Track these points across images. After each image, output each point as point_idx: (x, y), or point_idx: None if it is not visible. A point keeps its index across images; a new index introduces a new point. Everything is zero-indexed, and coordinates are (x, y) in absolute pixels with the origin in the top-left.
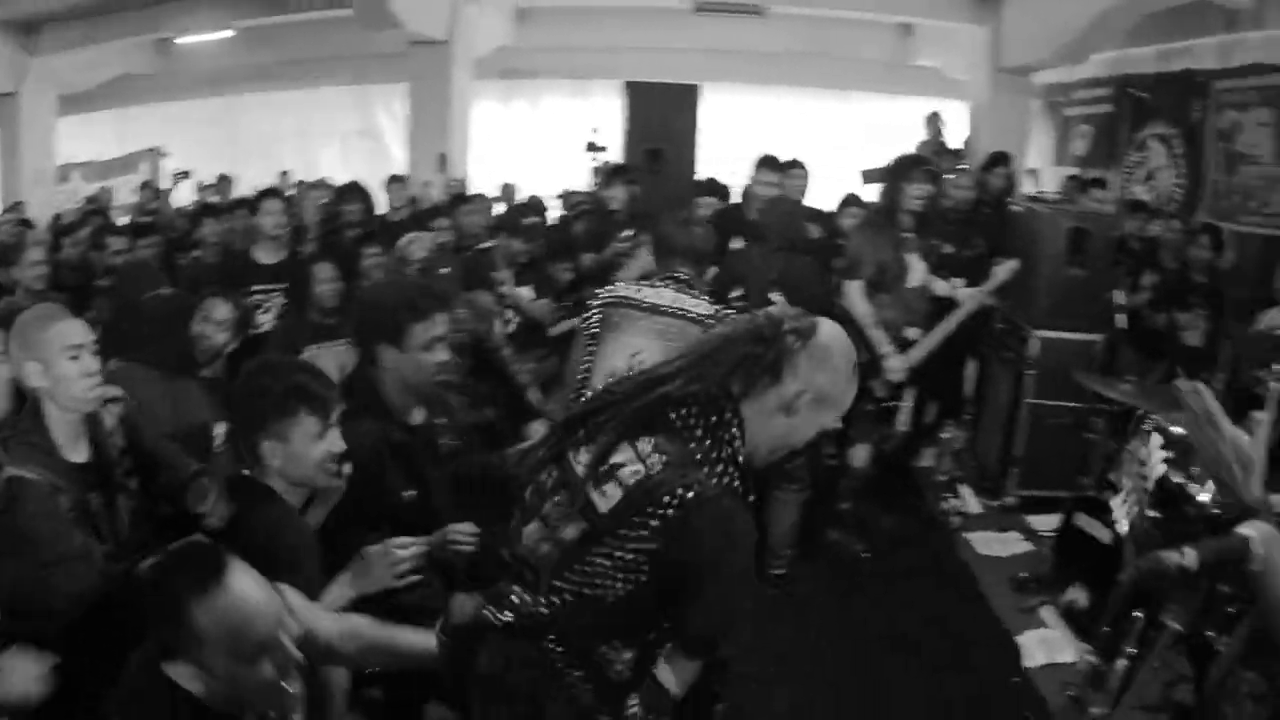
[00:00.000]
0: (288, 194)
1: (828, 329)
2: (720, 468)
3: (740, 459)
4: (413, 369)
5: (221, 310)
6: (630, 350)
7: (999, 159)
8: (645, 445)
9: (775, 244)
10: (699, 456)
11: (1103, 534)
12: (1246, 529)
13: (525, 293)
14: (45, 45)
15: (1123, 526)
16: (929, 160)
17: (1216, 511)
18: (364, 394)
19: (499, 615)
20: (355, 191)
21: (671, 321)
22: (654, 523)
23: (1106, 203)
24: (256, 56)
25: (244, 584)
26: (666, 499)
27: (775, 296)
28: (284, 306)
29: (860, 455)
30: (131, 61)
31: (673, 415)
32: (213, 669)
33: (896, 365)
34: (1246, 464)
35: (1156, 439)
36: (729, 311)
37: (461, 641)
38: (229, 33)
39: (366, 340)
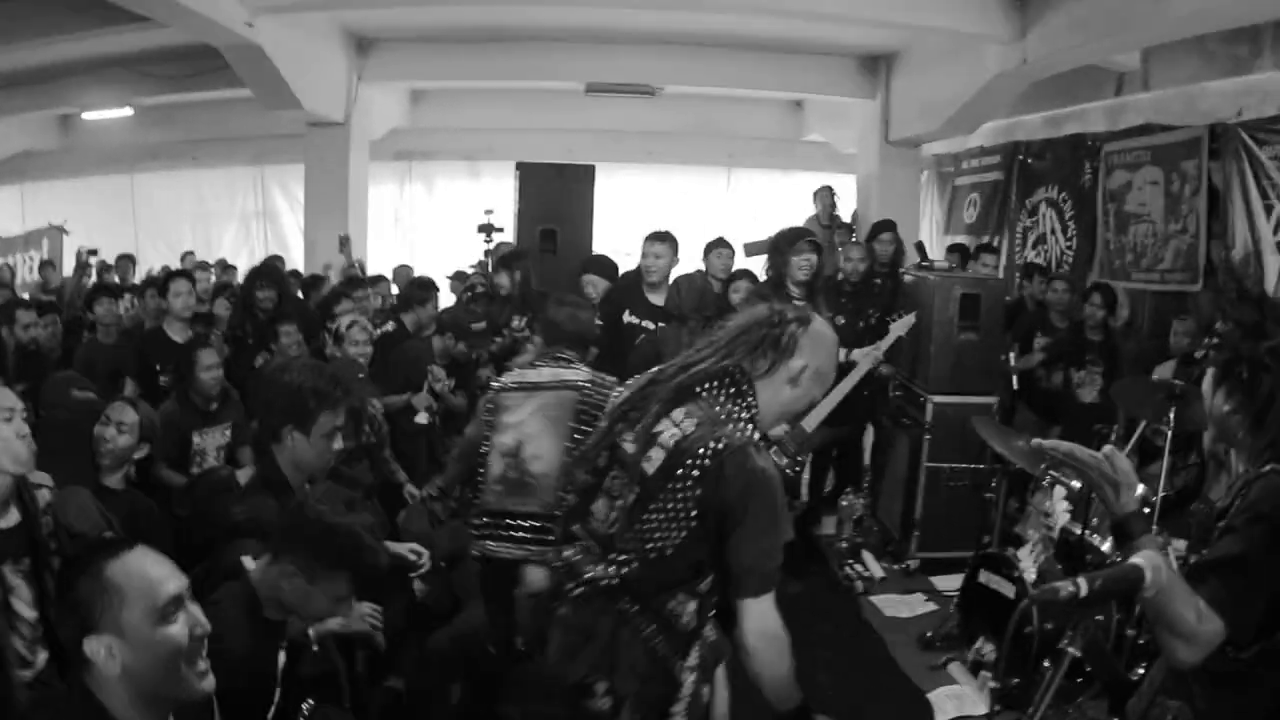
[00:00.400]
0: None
1: (818, 320)
2: (743, 425)
3: (755, 424)
4: (313, 455)
5: (128, 415)
6: (516, 428)
7: (884, 226)
8: (679, 414)
9: (691, 320)
10: (724, 417)
11: (1006, 588)
12: (1138, 557)
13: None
14: None
15: (1030, 575)
16: (812, 232)
17: (1117, 558)
18: (266, 468)
19: (572, 586)
20: (269, 274)
21: (549, 394)
22: (695, 473)
23: (994, 268)
24: (157, 135)
25: (152, 555)
26: (701, 451)
27: None
28: (172, 387)
29: None
30: (35, 137)
31: (699, 390)
32: (128, 631)
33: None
34: (1115, 481)
35: (1060, 492)
36: (609, 378)
37: (540, 605)
38: (129, 111)
39: (273, 419)
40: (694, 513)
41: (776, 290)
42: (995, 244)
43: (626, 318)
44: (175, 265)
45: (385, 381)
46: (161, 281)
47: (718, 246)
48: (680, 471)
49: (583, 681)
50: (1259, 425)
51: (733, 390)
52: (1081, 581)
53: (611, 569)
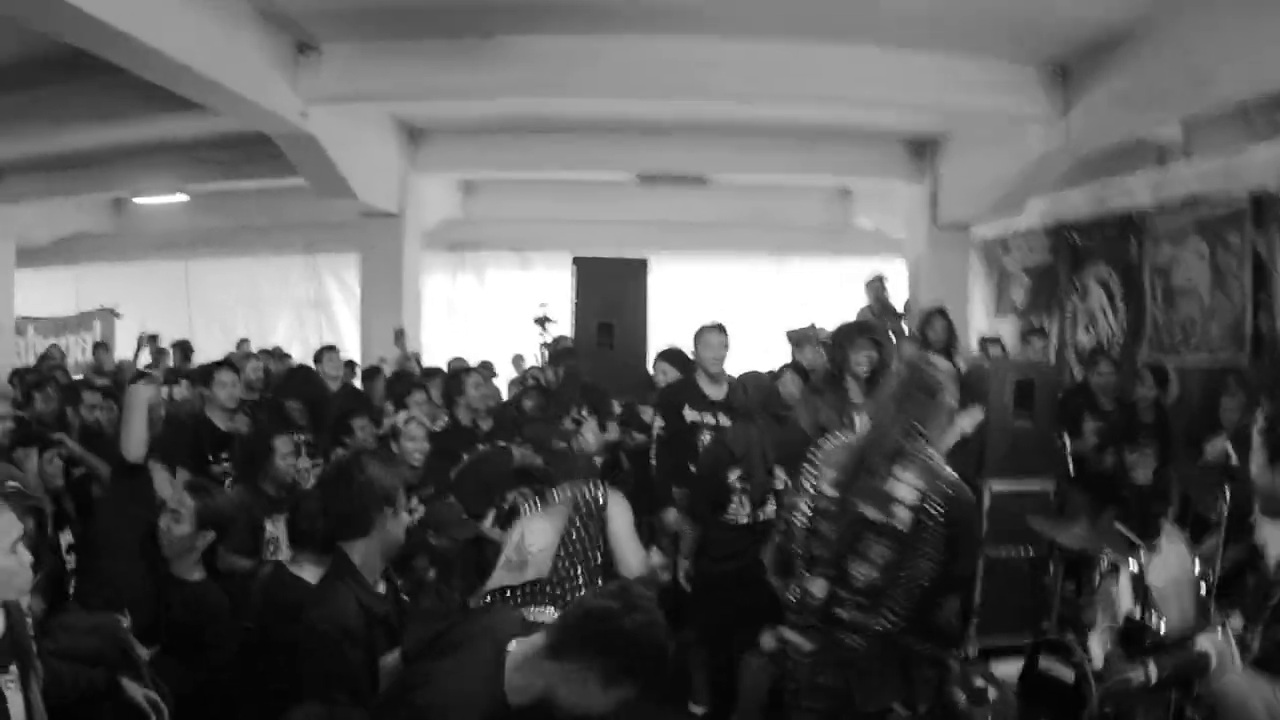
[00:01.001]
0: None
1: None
2: (941, 461)
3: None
4: (399, 534)
5: (185, 501)
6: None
7: (935, 314)
8: (900, 472)
9: (760, 417)
10: (933, 463)
11: (1066, 674)
12: (1203, 642)
13: None
14: (4, 194)
15: (1098, 663)
16: (873, 327)
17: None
18: (338, 564)
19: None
20: (295, 387)
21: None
22: (940, 518)
23: (1043, 351)
24: (210, 221)
25: None
26: (939, 500)
27: (778, 471)
28: (239, 476)
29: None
30: (88, 219)
31: (906, 447)
32: None
33: None
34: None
35: (1125, 577)
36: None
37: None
38: (183, 197)
39: (366, 509)
40: (941, 546)
41: (833, 384)
42: (1044, 326)
43: (688, 414)
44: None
45: (453, 488)
46: (207, 371)
47: (710, 333)
48: (930, 523)
49: (883, 710)
50: None
51: (923, 438)
52: (1151, 669)
53: (889, 616)
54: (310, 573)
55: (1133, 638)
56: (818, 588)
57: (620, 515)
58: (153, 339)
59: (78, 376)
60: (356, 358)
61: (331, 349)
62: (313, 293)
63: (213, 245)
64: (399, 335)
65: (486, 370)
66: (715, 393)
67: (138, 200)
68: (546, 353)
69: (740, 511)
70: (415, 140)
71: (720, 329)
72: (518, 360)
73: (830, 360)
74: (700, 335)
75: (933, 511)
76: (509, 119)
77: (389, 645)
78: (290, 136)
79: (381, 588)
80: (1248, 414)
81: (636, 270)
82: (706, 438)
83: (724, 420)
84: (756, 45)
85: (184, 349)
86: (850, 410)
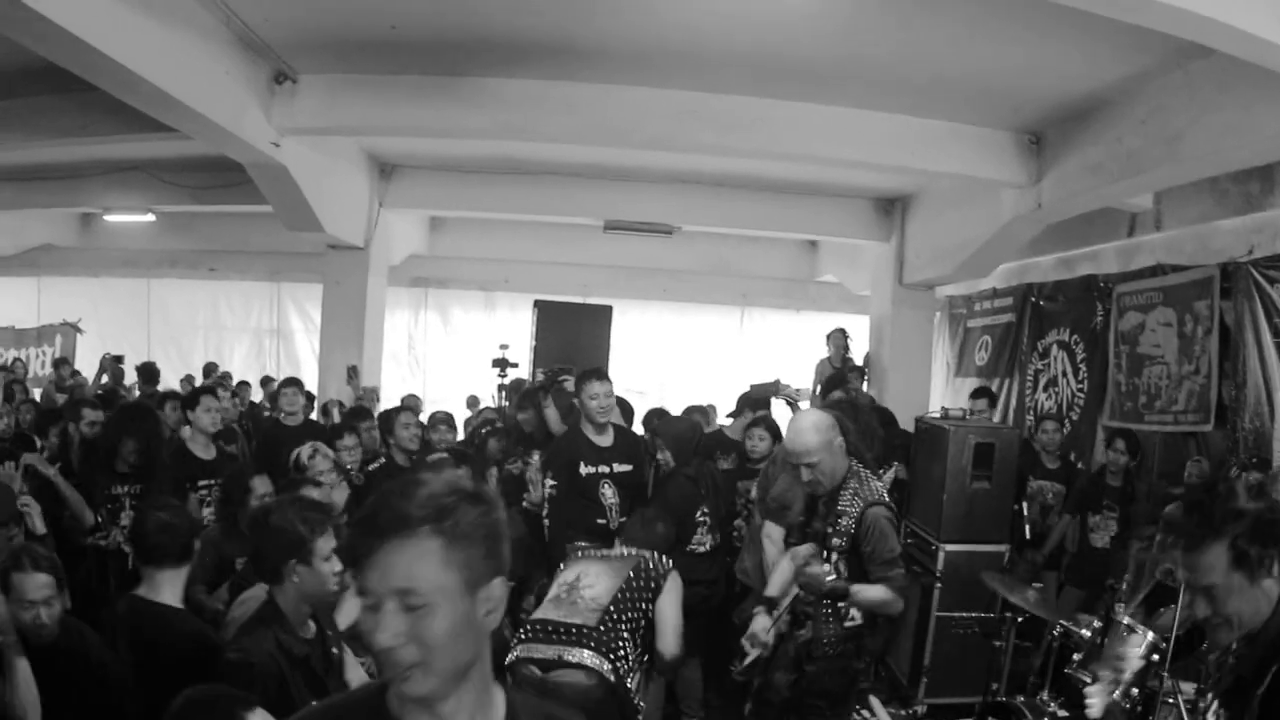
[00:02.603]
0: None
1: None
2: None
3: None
4: (318, 583)
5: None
6: (577, 567)
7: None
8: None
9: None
10: (865, 477)
11: None
12: None
13: None
14: None
15: (1096, 712)
16: (841, 402)
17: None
18: (265, 607)
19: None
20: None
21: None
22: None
23: (988, 414)
24: (176, 242)
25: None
26: (870, 503)
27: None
28: (219, 514)
29: (781, 680)
30: (55, 232)
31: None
32: None
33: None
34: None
35: (1140, 639)
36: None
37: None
38: (150, 216)
39: (276, 559)
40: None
41: None
42: (998, 389)
43: (583, 469)
44: (185, 374)
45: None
46: (189, 396)
47: (593, 382)
48: (869, 524)
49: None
50: None
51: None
52: None
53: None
54: (169, 594)
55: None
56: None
57: (673, 592)
58: (116, 360)
59: (36, 390)
60: (315, 390)
61: (291, 382)
62: (274, 321)
63: (178, 266)
64: (351, 373)
65: (442, 417)
66: (604, 441)
67: (106, 217)
68: (504, 395)
69: (704, 541)
70: (385, 175)
71: (604, 377)
72: (473, 401)
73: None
74: (584, 384)
75: (871, 514)
76: (480, 159)
77: (310, 688)
78: (261, 165)
79: (311, 631)
80: (1213, 478)
81: (599, 316)
82: (607, 489)
83: (619, 467)
84: (730, 100)
85: (148, 371)
86: None
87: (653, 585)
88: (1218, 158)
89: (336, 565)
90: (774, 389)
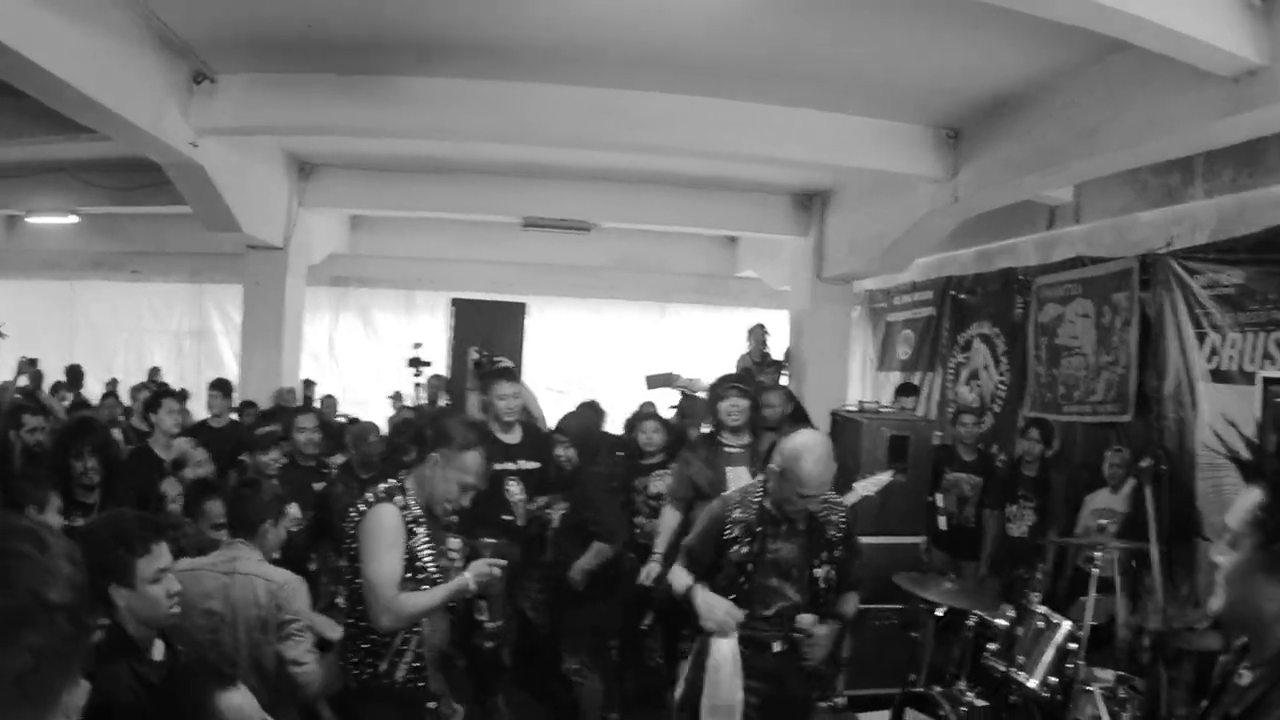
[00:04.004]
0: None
1: None
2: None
3: None
4: (148, 605)
5: None
6: None
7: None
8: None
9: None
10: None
11: None
12: None
13: None
14: None
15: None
16: (742, 379)
17: (1045, 694)
18: (112, 634)
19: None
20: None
21: None
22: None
23: (913, 409)
24: (99, 244)
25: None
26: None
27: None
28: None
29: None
30: None
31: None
32: None
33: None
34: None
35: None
36: None
37: None
38: (73, 218)
39: (96, 582)
40: None
41: (709, 441)
42: (919, 382)
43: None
44: (108, 378)
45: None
46: (151, 400)
47: (501, 383)
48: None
49: None
50: None
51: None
52: None
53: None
54: None
55: (999, 689)
56: None
57: None
58: (31, 363)
59: None
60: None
61: (218, 384)
62: (195, 323)
63: (101, 268)
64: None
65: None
66: (510, 438)
67: (29, 219)
68: (427, 392)
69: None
70: (305, 175)
71: (513, 378)
72: (397, 398)
73: (706, 411)
74: (492, 384)
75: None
76: (400, 158)
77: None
78: (180, 166)
79: (160, 652)
80: (1130, 470)
81: (514, 313)
82: (513, 485)
83: (525, 464)
84: (646, 97)
85: (74, 375)
86: (723, 465)
87: None
88: (1135, 150)
89: (173, 585)
90: (669, 379)
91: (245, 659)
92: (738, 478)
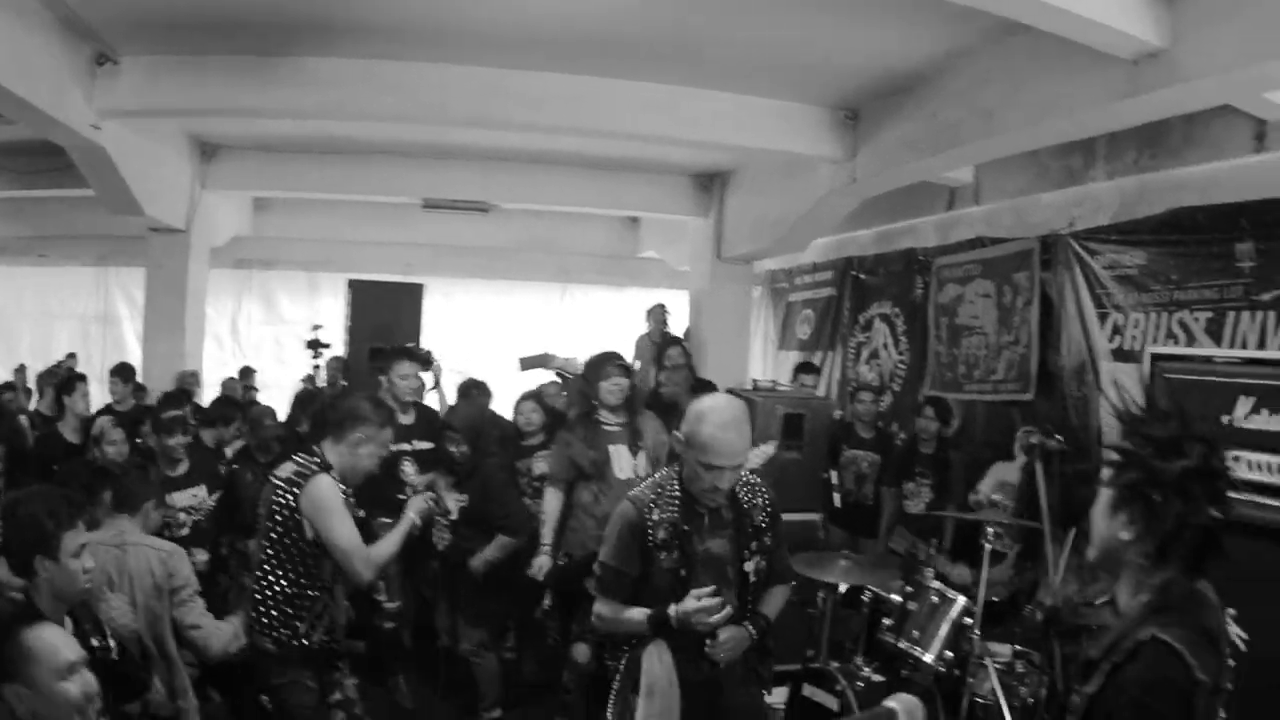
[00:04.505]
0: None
1: None
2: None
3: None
4: (66, 580)
5: None
6: None
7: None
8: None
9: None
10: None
11: (830, 701)
12: (892, 701)
13: None
14: None
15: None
16: (620, 355)
17: (941, 669)
18: (22, 610)
19: None
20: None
21: None
22: None
23: (814, 387)
24: (5, 229)
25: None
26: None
27: None
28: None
29: (582, 651)
30: None
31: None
32: (36, 683)
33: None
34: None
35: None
36: None
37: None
38: None
39: (21, 553)
40: None
41: (585, 420)
42: (820, 361)
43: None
44: (19, 364)
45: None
46: (65, 382)
47: (401, 363)
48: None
49: None
50: (1161, 559)
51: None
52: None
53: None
54: None
55: (893, 665)
56: None
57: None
58: None
59: None
60: (140, 378)
61: (120, 369)
62: (101, 307)
63: (7, 253)
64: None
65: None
66: (406, 419)
67: None
68: (329, 373)
69: None
70: (207, 156)
71: (412, 358)
72: (309, 381)
73: (580, 392)
74: (394, 363)
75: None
76: (301, 139)
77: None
78: (82, 148)
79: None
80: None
81: (411, 294)
82: (408, 465)
83: (418, 445)
84: (542, 76)
85: None
86: (604, 443)
87: None
88: (1034, 131)
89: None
90: (544, 360)
91: (144, 628)
92: (618, 455)
